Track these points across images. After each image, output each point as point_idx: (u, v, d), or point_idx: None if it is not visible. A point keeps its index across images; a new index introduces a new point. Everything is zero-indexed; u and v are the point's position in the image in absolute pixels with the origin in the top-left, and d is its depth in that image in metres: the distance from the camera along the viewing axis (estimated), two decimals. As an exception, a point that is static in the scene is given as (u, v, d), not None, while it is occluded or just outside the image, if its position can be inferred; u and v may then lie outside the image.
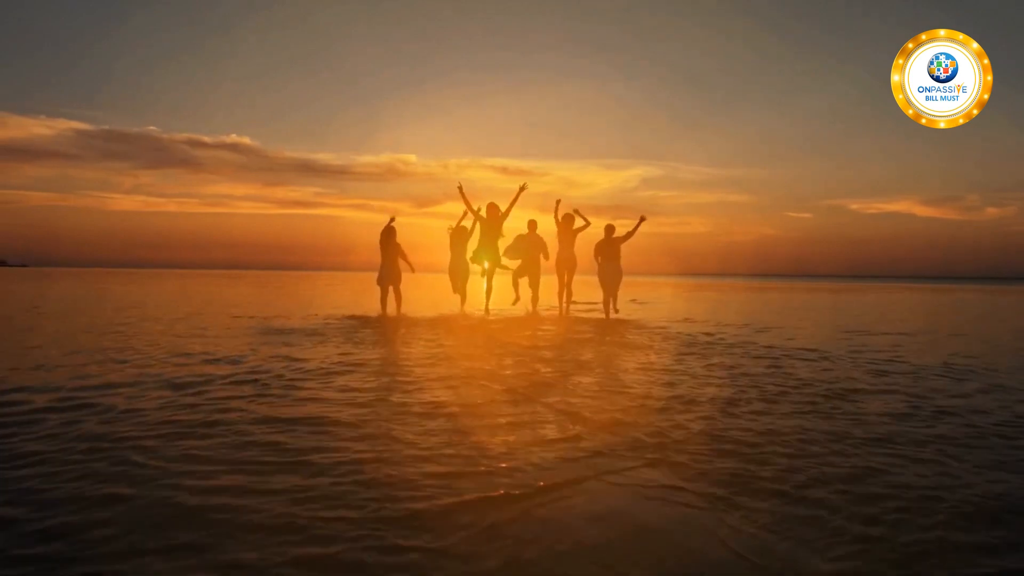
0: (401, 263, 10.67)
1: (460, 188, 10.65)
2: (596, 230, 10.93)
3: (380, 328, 8.87)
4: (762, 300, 21.71)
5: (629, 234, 10.61)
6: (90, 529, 2.15)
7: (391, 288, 10.65)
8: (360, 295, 19.67)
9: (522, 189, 10.68)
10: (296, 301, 16.66)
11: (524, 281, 11.23)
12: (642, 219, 10.50)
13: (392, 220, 10.63)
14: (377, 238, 10.62)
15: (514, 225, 11.06)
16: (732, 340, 7.75)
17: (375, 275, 10.70)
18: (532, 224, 11.05)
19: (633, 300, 17.26)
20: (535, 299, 11.43)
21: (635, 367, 5.56)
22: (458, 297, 11.31)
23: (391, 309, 10.68)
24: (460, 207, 10.74)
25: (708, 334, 8.45)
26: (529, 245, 10.95)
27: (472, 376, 5.02)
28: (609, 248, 10.68)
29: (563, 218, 10.80)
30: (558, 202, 10.83)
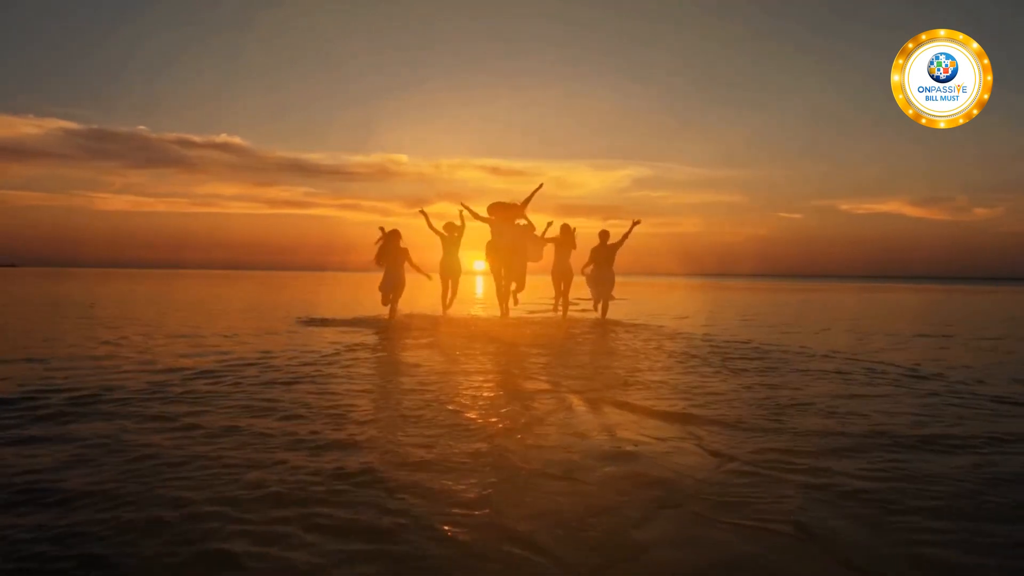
0: (408, 269, 10.08)
1: (462, 209, 10.28)
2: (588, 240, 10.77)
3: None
4: (731, 300, 21.85)
5: (624, 237, 10.55)
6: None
7: (392, 297, 10.10)
8: (351, 296, 19.51)
9: (538, 188, 10.31)
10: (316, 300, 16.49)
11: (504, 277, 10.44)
12: (635, 223, 10.43)
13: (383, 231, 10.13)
14: (374, 245, 10.01)
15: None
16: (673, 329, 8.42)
17: (370, 276, 10.23)
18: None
19: (623, 299, 17.34)
20: (520, 289, 10.60)
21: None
22: (449, 297, 10.93)
23: (390, 312, 10.18)
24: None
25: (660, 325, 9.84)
26: (516, 235, 10.32)
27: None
28: (604, 253, 10.64)
29: (561, 229, 10.56)
30: (549, 224, 10.62)
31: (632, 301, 18.33)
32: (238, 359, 5.87)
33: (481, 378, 5.11)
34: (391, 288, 10.04)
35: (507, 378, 5.19)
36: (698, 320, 11.79)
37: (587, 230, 10.83)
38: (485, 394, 4.49)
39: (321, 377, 5.00)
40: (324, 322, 9.92)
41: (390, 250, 10.02)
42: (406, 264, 10.04)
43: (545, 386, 4.77)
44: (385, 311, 10.19)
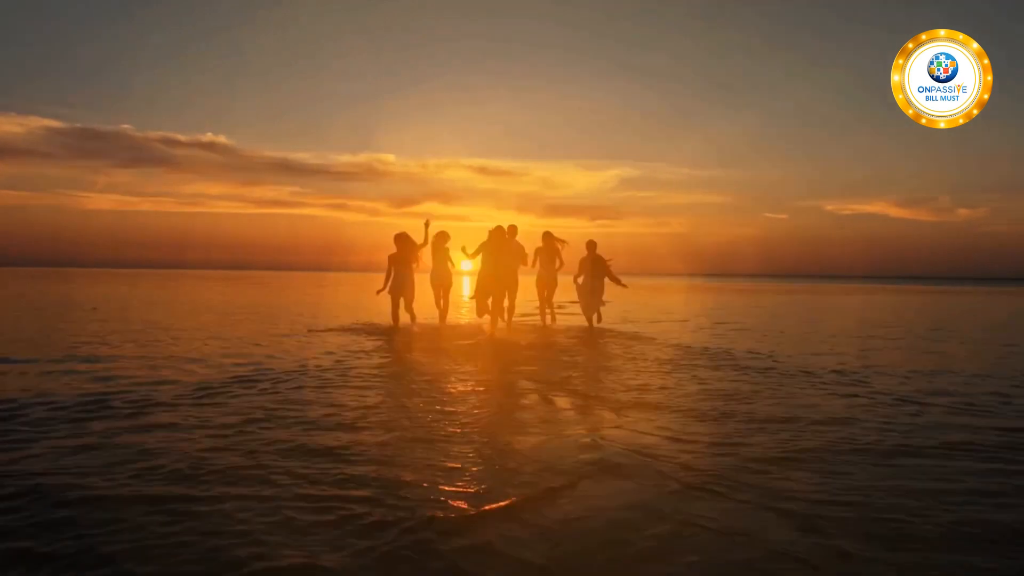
0: (415, 270, 10.02)
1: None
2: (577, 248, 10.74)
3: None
4: (713, 303, 21.79)
5: (613, 276, 10.62)
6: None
7: (402, 300, 9.99)
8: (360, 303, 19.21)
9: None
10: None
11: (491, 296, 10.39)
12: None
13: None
14: (390, 244, 9.95)
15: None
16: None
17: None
18: (512, 229, 10.41)
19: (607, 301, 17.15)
20: (511, 310, 10.51)
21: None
22: (442, 306, 10.79)
23: (404, 320, 10.07)
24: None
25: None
26: (506, 252, 10.22)
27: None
28: (591, 265, 10.55)
29: (544, 236, 10.66)
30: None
31: (658, 307, 17.45)
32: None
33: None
34: (400, 291, 9.92)
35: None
36: (747, 332, 10.67)
37: (576, 231, 10.83)
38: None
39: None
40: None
41: (402, 250, 9.93)
42: (413, 264, 9.96)
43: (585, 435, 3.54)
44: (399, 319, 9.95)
